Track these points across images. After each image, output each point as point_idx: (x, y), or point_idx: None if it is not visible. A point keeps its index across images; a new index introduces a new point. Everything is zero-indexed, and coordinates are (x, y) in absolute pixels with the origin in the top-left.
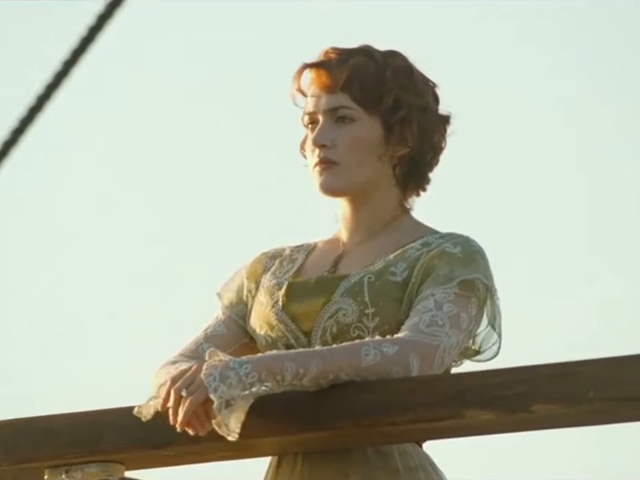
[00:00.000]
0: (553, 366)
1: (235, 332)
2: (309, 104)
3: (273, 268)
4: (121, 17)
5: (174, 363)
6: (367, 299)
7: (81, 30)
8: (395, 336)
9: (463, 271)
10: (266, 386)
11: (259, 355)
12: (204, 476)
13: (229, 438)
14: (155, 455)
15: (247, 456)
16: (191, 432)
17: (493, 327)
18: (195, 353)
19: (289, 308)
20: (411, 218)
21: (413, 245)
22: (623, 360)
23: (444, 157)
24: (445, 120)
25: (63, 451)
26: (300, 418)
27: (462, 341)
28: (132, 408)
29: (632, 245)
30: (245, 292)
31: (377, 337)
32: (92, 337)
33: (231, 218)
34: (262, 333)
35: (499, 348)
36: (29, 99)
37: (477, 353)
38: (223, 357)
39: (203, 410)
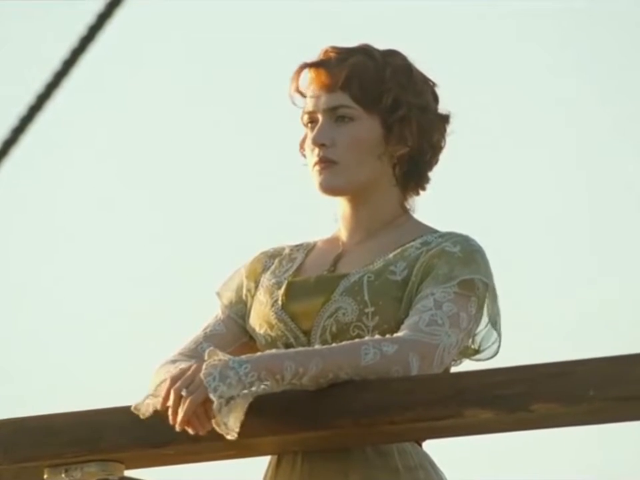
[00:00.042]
0: (552, 365)
1: (234, 331)
2: (309, 103)
3: (273, 267)
4: (120, 16)
5: (174, 361)
6: (366, 298)
7: (80, 29)
8: (395, 335)
9: (462, 270)
10: (265, 385)
11: (259, 354)
12: (204, 475)
13: (228, 437)
14: (155, 454)
15: (246, 455)
16: (190, 431)
17: (494, 326)
18: (195, 352)
19: (289, 307)
20: (411, 217)
21: (412, 244)
22: (622, 359)
23: (444, 157)
24: (445, 119)
25: (62, 450)
26: (299, 417)
27: (461, 340)
28: (131, 407)
29: (632, 245)
30: (244, 291)
31: (377, 336)
32: (92, 336)
33: (230, 218)
34: (261, 332)
35: (499, 347)
36: (29, 98)
37: (477, 352)
38: (222, 356)
39: (202, 410)
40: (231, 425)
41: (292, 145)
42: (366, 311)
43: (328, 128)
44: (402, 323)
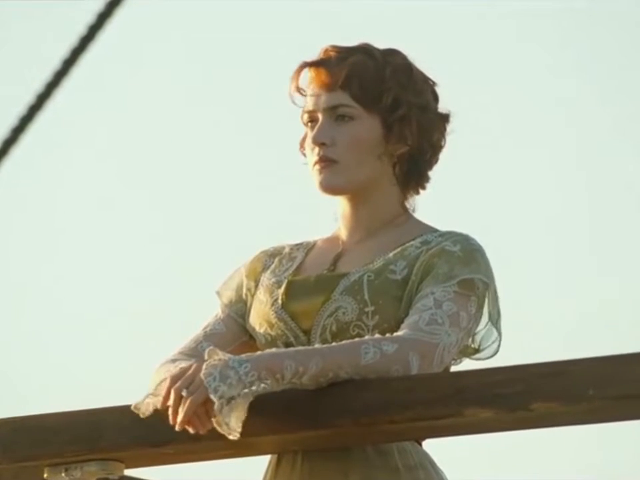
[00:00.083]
0: (552, 364)
1: (234, 330)
2: (309, 102)
3: (273, 266)
4: (120, 16)
5: (174, 360)
6: (366, 297)
7: (80, 29)
8: (395, 334)
9: (462, 269)
10: (265, 384)
11: (259, 353)
12: (204, 474)
13: (231, 437)
14: (155, 453)
15: (246, 454)
16: (191, 430)
17: (495, 325)
18: (195, 351)
19: (289, 306)
20: (411, 216)
21: (412, 243)
22: (622, 358)
23: (444, 156)
24: (445, 118)
25: (62, 449)
26: (299, 416)
27: (461, 340)
28: (131, 406)
29: (632, 245)
30: (244, 290)
31: (377, 335)
32: (92, 336)
33: (230, 218)
34: (261, 331)
35: (499, 346)
36: (29, 98)
37: (477, 351)
38: (222, 355)
39: (203, 410)
40: (232, 425)
41: (292, 145)
42: (366, 310)
43: (328, 127)
44: (402, 322)
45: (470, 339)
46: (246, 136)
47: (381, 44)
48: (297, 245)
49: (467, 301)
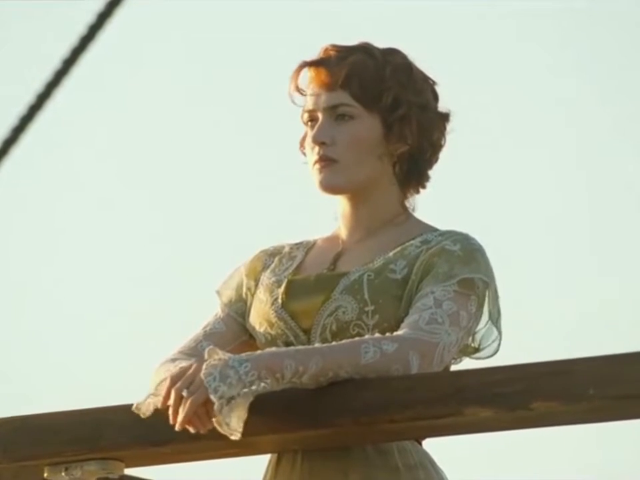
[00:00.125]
0: (552, 363)
1: (234, 329)
2: (309, 101)
3: (272, 265)
4: (120, 15)
5: (173, 360)
6: (366, 296)
7: (81, 29)
8: (395, 333)
9: (462, 269)
10: (265, 383)
11: (258, 352)
12: (204, 473)
13: (232, 437)
14: (155, 452)
15: (246, 454)
16: (191, 430)
17: (495, 324)
18: (194, 351)
19: (289, 305)
20: (411, 216)
21: (412, 242)
22: (622, 357)
23: (444, 156)
24: (445, 117)
25: (62, 448)
26: (299, 415)
27: (461, 339)
28: (132, 406)
29: (632, 245)
30: (244, 289)
31: (377, 335)
32: (92, 335)
33: (230, 218)
34: (261, 330)
35: (499, 345)
36: (29, 97)
37: (477, 350)
38: (222, 355)
39: (204, 410)
40: (233, 425)
41: (292, 145)
42: (366, 309)
43: (328, 126)
44: (402, 321)
45: (470, 338)
46: (246, 136)
47: (380, 44)
48: (296, 244)
49: (466, 300)
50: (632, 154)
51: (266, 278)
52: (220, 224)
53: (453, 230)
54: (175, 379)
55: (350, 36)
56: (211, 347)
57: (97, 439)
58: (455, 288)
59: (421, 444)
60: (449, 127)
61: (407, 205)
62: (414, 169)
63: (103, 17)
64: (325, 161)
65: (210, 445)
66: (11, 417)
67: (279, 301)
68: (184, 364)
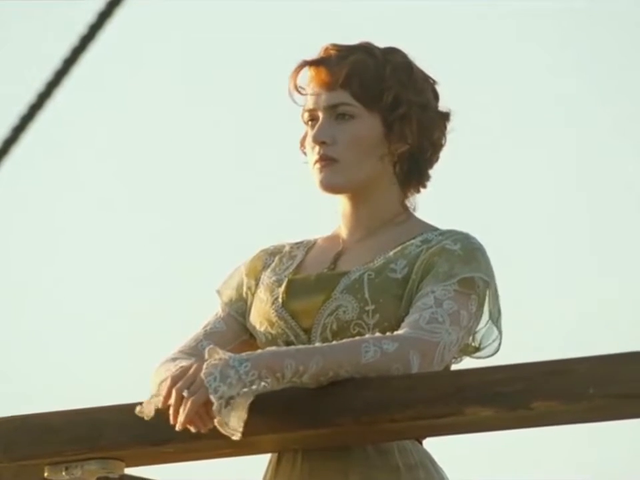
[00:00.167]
0: (552, 363)
1: (234, 329)
2: (309, 101)
3: (273, 265)
4: (121, 15)
5: (174, 360)
6: (367, 295)
7: (81, 28)
8: (395, 333)
9: (463, 268)
10: (266, 383)
11: (259, 351)
12: (204, 473)
13: (233, 437)
14: (155, 451)
15: (246, 453)
16: (192, 429)
17: (495, 324)
18: (195, 350)
19: (289, 305)
20: (411, 215)
21: (412, 241)
22: (622, 357)
23: (444, 156)
24: (445, 117)
25: (62, 448)
26: (300, 415)
27: (462, 338)
28: (132, 405)
29: (632, 245)
30: (244, 289)
31: (377, 334)
32: (92, 335)
33: (230, 217)
34: (262, 329)
35: (500, 344)
36: (29, 97)
37: (477, 349)
38: (222, 354)
39: (204, 410)
40: (233, 425)
41: (292, 145)
42: (366, 308)
43: (328, 126)
44: (402, 320)
45: (470, 338)
46: (246, 136)
47: (381, 44)
48: (297, 243)
49: (467, 300)
50: (632, 154)
51: (266, 277)
52: (220, 224)
53: (454, 229)
54: (175, 379)
55: (350, 36)
56: (211, 346)
57: (97, 438)
58: (455, 287)
59: (421, 443)
60: (449, 126)
61: (408, 204)
62: (414, 169)
63: (103, 17)
64: (325, 161)
65: (210, 444)
66: (11, 417)
67: (280, 300)
68: (184, 363)
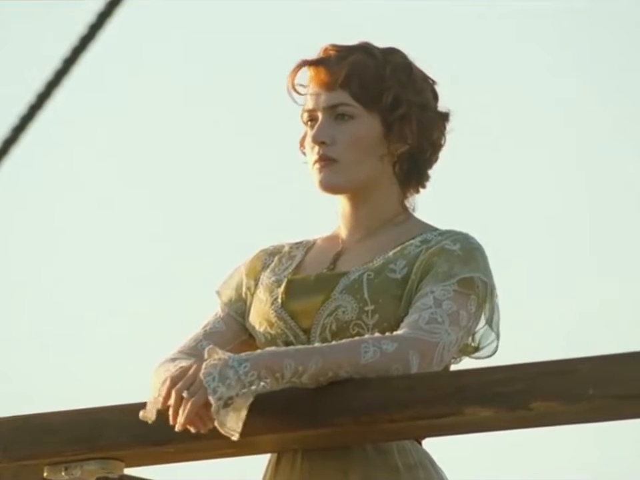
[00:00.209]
0: (552, 363)
1: (234, 329)
2: (308, 101)
3: (272, 265)
4: (120, 15)
5: (173, 360)
6: (366, 296)
7: (81, 28)
8: (394, 333)
9: (462, 268)
10: (265, 383)
11: (258, 351)
12: (204, 473)
13: (232, 438)
14: (155, 452)
15: (246, 453)
16: (192, 430)
17: (490, 326)
18: (194, 350)
19: (288, 305)
20: (410, 215)
21: (412, 242)
22: (622, 357)
23: (444, 156)
24: (444, 117)
25: (62, 448)
26: (299, 415)
27: (461, 338)
28: (132, 405)
29: (632, 245)
30: (244, 289)
31: (376, 334)
32: (92, 335)
33: (230, 217)
34: (261, 330)
35: (497, 346)
36: (29, 97)
37: (476, 349)
38: (222, 354)
39: (205, 411)
40: (232, 426)
41: (292, 145)
42: (366, 309)
43: (328, 126)
44: (402, 321)
45: (470, 338)
46: (246, 136)
47: (381, 44)
48: (296, 243)
49: (466, 300)
50: (632, 154)
51: (266, 277)
52: (220, 224)
53: (453, 229)
54: (175, 380)
55: (350, 36)
56: (210, 346)
57: (97, 438)
58: (454, 287)
59: (420, 443)
60: (448, 126)
61: (407, 204)
62: (414, 169)
63: (103, 17)
64: (325, 161)
65: (210, 444)
66: (11, 417)
67: (279, 300)
68: (184, 363)
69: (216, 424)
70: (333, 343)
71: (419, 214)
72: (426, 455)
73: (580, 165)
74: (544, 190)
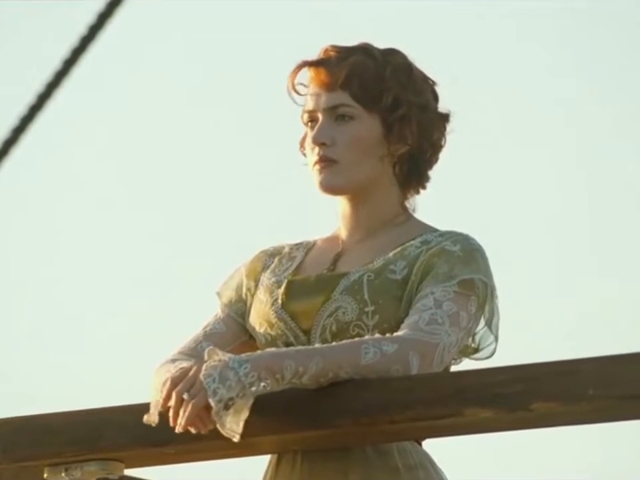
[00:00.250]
0: (552, 364)
1: (234, 330)
2: (309, 102)
3: (272, 266)
4: (121, 16)
5: (173, 360)
6: (366, 297)
7: (81, 29)
8: (395, 334)
9: (463, 270)
10: (265, 384)
11: (258, 352)
12: (204, 474)
13: (234, 439)
14: (155, 452)
15: (246, 454)
16: (192, 431)
17: (490, 328)
18: (194, 351)
19: (289, 306)
20: (411, 216)
21: (412, 242)
22: (622, 358)
23: (444, 157)
24: (445, 118)
25: (62, 449)
26: (299, 416)
27: (461, 339)
28: (132, 406)
29: (632, 245)
30: (244, 290)
31: (377, 335)
32: (92, 336)
33: (230, 218)
34: (261, 331)
35: (495, 348)
36: (29, 98)
37: (476, 350)
38: (222, 355)
39: (205, 412)
40: (233, 427)
41: (292, 145)
42: (366, 310)
43: (328, 127)
44: (402, 322)
45: (470, 339)
46: (246, 136)
47: (381, 44)
48: (296, 244)
49: (467, 301)
50: (632, 154)
51: (266, 278)
52: (220, 224)
53: (453, 230)
54: (175, 381)
55: (350, 36)
56: (210, 347)
57: (97, 439)
58: (455, 289)
59: (420, 444)
60: (449, 127)
61: (407, 205)
62: (414, 170)
63: (103, 17)
64: (325, 162)
65: (210, 445)
66: (11, 418)
67: (279, 301)
68: (184, 364)
69: (218, 425)
70: (333, 343)
71: (419, 215)
72: (426, 455)
73: (580, 165)
74: (544, 190)
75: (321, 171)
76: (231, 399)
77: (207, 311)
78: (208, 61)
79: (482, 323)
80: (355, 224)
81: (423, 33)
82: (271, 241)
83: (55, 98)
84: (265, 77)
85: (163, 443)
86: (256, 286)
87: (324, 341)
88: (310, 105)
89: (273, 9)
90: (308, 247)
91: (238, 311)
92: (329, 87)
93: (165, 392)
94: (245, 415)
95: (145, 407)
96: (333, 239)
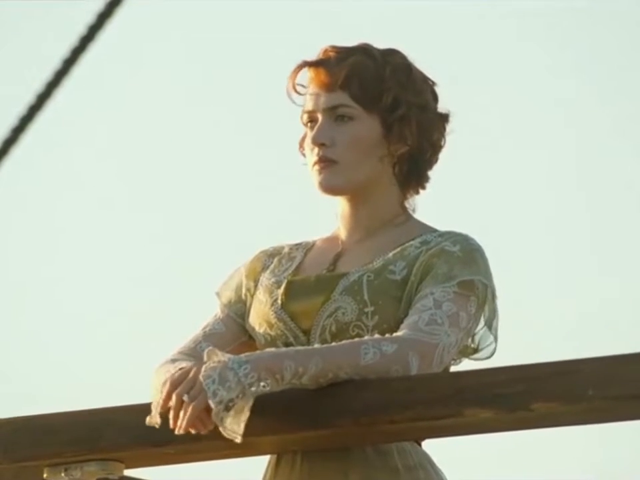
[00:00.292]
0: (552, 364)
1: (233, 330)
2: (308, 102)
3: (272, 266)
4: (120, 16)
5: (173, 361)
6: (366, 297)
7: (81, 29)
8: (394, 334)
9: (462, 270)
10: (265, 384)
11: (258, 353)
12: (204, 474)
13: (235, 440)
14: (155, 453)
15: (246, 454)
16: (192, 431)
17: (489, 328)
18: (194, 351)
19: (288, 306)
20: (410, 216)
21: (412, 243)
22: (622, 358)
23: (444, 157)
24: (444, 118)
25: (62, 449)
26: (299, 416)
27: (461, 340)
28: (132, 406)
29: (632, 245)
30: (243, 290)
31: (376, 336)
32: (92, 336)
33: (230, 218)
34: (261, 331)
35: (495, 348)
36: (29, 98)
37: (476, 351)
38: (221, 356)
39: (205, 414)
40: (234, 428)
41: (292, 145)
42: (365, 310)
43: (327, 127)
44: (401, 322)
45: (469, 339)
46: (246, 136)
47: (380, 44)
48: (296, 244)
49: (466, 301)
50: (632, 154)
51: (265, 279)
52: (220, 224)
53: (453, 231)
54: (175, 383)
55: (350, 36)
56: (210, 348)
57: (97, 439)
58: (454, 289)
59: (420, 445)
60: (448, 127)
61: (407, 205)
62: (414, 170)
63: (103, 17)
64: (325, 162)
65: (210, 445)
66: (11, 418)
67: (279, 301)
68: (184, 365)
69: (219, 427)
70: (333, 344)
71: (419, 215)
72: (426, 456)
73: (579, 165)
74: (544, 190)
75: (320, 172)
76: (231, 400)
77: (207, 311)
78: (208, 60)
79: (481, 323)
80: (355, 224)
81: (423, 32)
82: (271, 241)
83: (54, 98)
84: (264, 77)
85: (163, 443)
86: (255, 286)
87: (323, 341)
88: (309, 106)
89: (273, 8)
90: (307, 247)
91: (237, 311)
92: (328, 87)
93: (164, 393)
94: (245, 415)
95: (145, 407)
96: (333, 239)
